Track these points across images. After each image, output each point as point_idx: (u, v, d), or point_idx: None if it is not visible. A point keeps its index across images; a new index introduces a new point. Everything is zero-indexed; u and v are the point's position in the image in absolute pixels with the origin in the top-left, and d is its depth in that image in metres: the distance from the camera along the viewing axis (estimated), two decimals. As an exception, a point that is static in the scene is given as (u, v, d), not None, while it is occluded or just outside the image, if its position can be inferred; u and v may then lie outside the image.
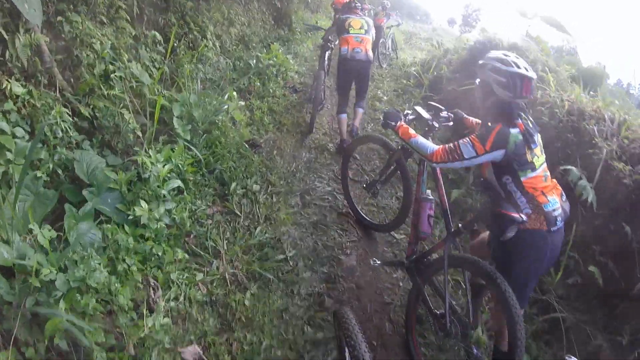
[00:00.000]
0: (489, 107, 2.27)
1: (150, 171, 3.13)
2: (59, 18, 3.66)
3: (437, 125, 2.85)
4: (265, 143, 4.96)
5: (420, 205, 2.65)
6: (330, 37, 5.96)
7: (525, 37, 6.87)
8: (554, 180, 2.29)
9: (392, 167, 3.46)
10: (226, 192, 3.88)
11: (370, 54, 4.93)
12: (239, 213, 3.73)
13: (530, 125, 2.21)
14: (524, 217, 2.02)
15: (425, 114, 2.91)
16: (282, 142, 5.09)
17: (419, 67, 8.44)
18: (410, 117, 2.95)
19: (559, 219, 2.12)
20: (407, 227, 3.71)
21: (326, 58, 6.06)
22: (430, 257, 2.67)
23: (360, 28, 4.92)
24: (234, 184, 3.94)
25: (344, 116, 5.07)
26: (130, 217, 2.93)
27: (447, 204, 2.59)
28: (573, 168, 3.62)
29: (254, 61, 7.06)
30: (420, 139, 2.46)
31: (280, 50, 7.71)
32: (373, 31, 5.22)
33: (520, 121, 2.15)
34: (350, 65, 4.86)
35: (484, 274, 2.14)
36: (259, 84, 6.56)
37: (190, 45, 6.04)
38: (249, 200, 3.89)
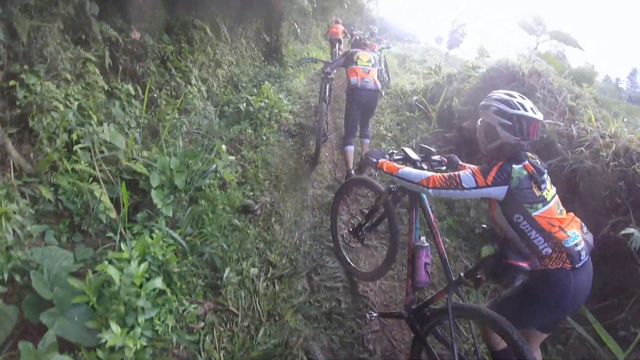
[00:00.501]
0: (493, 149, 2.19)
1: (121, 280, 2.42)
2: (12, 82, 3.09)
3: (426, 168, 2.69)
4: (261, 208, 4.28)
5: (415, 254, 2.51)
6: (329, 69, 6.00)
7: (538, 58, 6.32)
8: (571, 213, 2.15)
9: (379, 211, 3.28)
10: (219, 281, 3.18)
11: (379, 83, 5.14)
12: (235, 310, 3.01)
13: (539, 163, 2.12)
14: (533, 263, 1.92)
15: (413, 155, 2.78)
16: (281, 205, 4.42)
17: (421, 96, 7.92)
18: (397, 157, 2.79)
19: (582, 253, 1.98)
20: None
21: (327, 89, 6.08)
22: (431, 307, 2.47)
23: (367, 61, 5.17)
24: (227, 270, 3.24)
25: (350, 148, 5.13)
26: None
27: (444, 251, 2.45)
28: (635, 231, 3.01)
29: (244, 104, 6.47)
30: (410, 169, 2.38)
31: (272, 89, 7.16)
32: (379, 66, 5.46)
33: (527, 162, 2.06)
34: (360, 94, 4.99)
35: (494, 325, 1.97)
36: (250, 131, 5.96)
37: (173, 93, 5.45)
38: (246, 292, 3.18)
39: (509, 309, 2.06)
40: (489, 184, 2.02)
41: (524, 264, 1.89)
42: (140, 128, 4.29)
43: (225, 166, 4.41)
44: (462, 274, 2.22)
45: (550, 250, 1.98)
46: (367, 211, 3.48)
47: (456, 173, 2.14)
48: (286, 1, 9.11)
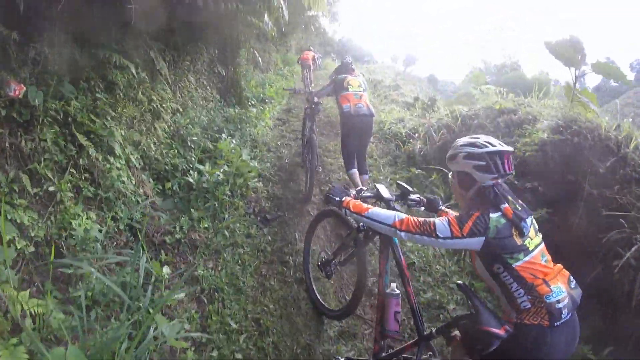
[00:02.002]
0: (472, 197, 2.06)
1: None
2: None
3: (398, 209, 2.39)
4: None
5: (385, 301, 2.39)
6: (317, 99, 5.72)
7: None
8: (559, 265, 2.00)
9: (349, 249, 3.05)
10: None
11: (372, 108, 5.03)
12: None
13: (519, 209, 1.96)
14: (510, 330, 1.79)
15: (386, 194, 2.58)
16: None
17: (423, 143, 6.39)
18: (366, 194, 2.62)
19: (564, 311, 1.83)
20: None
21: (314, 120, 5.77)
22: (401, 357, 2.35)
23: (358, 86, 5.08)
24: None
25: (354, 171, 4.93)
26: None
27: (415, 302, 2.32)
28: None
29: (196, 175, 4.50)
30: (380, 209, 2.21)
31: (232, 144, 5.29)
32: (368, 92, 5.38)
33: (506, 205, 1.93)
34: (355, 121, 4.87)
35: None
36: (206, 225, 4.03)
37: (85, 175, 3.43)
38: None
39: None
40: (465, 234, 1.89)
41: (500, 332, 1.76)
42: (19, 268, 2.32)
43: (171, 328, 2.42)
44: (434, 329, 2.14)
45: (529, 305, 1.85)
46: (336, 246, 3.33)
47: (431, 220, 1.99)
48: (245, 25, 7.39)
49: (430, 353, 2.24)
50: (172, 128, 5.37)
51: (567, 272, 2.00)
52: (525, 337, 1.84)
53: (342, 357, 2.82)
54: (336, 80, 5.21)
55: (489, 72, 43.26)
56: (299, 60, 14.05)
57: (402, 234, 2.04)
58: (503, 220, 1.89)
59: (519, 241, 1.89)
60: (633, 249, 3.06)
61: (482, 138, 2.05)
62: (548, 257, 2.00)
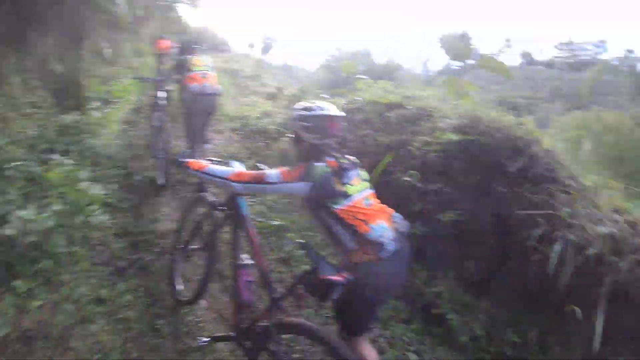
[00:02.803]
0: (300, 152, 2.34)
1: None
2: None
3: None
4: None
5: (237, 272, 2.48)
6: (163, 84, 5.59)
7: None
8: (382, 205, 2.28)
9: (204, 228, 3.10)
10: None
11: (218, 87, 5.14)
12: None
13: (345, 162, 2.23)
14: (347, 276, 1.89)
15: (238, 167, 2.68)
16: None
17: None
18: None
19: (389, 244, 2.08)
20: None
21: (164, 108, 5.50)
22: (258, 325, 2.30)
23: (204, 65, 5.12)
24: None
25: (206, 147, 5.24)
26: None
27: (266, 268, 2.39)
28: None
29: (18, 224, 3.29)
30: (218, 166, 2.44)
31: (67, 167, 4.19)
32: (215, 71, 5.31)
33: (331, 159, 2.21)
34: (202, 100, 4.94)
35: (314, 337, 2.08)
36: (40, 301, 2.96)
37: None
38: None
39: (345, 319, 2.23)
40: (293, 179, 2.13)
41: (338, 278, 1.87)
42: None
43: None
44: (282, 290, 2.22)
45: (354, 245, 2.07)
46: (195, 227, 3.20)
47: (263, 171, 2.25)
48: (93, 11, 6.30)
49: (285, 314, 2.28)
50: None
51: (390, 210, 2.27)
52: (361, 275, 1.97)
53: (205, 338, 2.73)
54: (180, 62, 5.23)
55: (343, 59, 44.49)
56: (153, 50, 12.89)
57: (237, 184, 2.23)
58: (327, 169, 2.14)
59: (339, 188, 2.11)
60: (557, 245, 3.15)
61: (318, 103, 2.30)
62: (373, 201, 2.25)
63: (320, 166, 2.15)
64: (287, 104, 8.21)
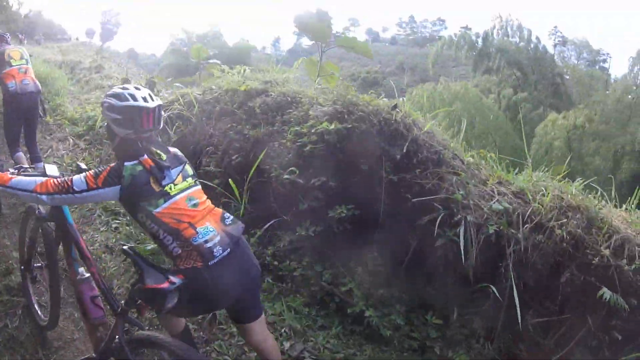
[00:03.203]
0: (115, 148, 2.10)
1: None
2: None
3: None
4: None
5: (79, 289, 2.24)
6: None
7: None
8: (210, 205, 2.07)
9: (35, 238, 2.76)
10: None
11: (38, 83, 4.71)
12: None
13: (165, 158, 1.97)
14: (175, 280, 1.69)
15: (54, 171, 2.35)
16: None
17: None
18: (30, 172, 2.38)
19: (216, 249, 1.87)
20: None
21: None
22: (115, 343, 2.02)
23: (21, 58, 4.61)
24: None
25: (20, 154, 4.60)
26: None
27: (102, 281, 2.15)
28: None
29: None
30: (24, 177, 2.07)
31: None
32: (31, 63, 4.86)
33: (146, 157, 1.92)
34: (21, 100, 4.44)
35: (169, 352, 1.86)
36: None
37: None
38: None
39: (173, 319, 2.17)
40: (100, 185, 1.88)
41: (163, 285, 1.67)
42: None
43: None
44: (123, 302, 1.97)
45: (179, 250, 1.88)
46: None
47: (69, 177, 1.97)
48: None
49: (136, 327, 2.15)
50: None
51: (219, 211, 2.06)
52: (187, 281, 1.77)
53: None
54: None
55: (192, 42, 42.46)
56: None
57: (44, 196, 1.94)
58: (139, 168, 1.89)
59: (156, 188, 1.89)
60: (460, 228, 3.09)
61: (130, 90, 2.00)
62: (199, 200, 2.01)
63: (129, 166, 1.89)
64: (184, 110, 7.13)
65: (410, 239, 3.36)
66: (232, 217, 2.06)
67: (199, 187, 2.09)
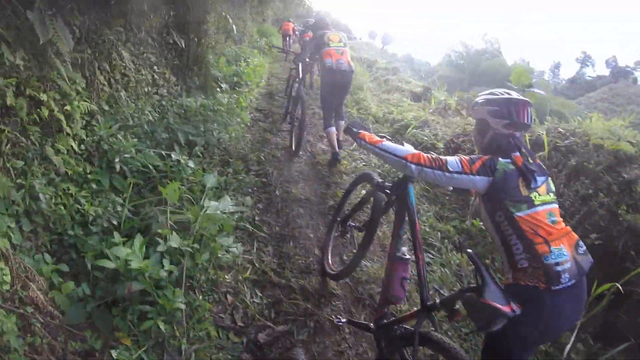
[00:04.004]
0: (486, 144, 2.04)
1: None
2: None
3: None
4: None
5: (393, 265, 2.22)
6: (304, 56, 5.59)
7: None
8: (567, 227, 1.87)
9: (366, 206, 3.07)
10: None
11: (352, 64, 5.08)
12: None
13: (531, 162, 1.90)
14: (516, 309, 1.56)
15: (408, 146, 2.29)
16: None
17: None
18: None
19: (564, 275, 1.71)
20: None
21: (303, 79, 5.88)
22: (400, 326, 2.12)
23: (339, 41, 5.09)
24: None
25: (332, 129, 5.09)
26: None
27: (423, 269, 2.07)
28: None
29: (118, 261, 2.31)
30: (392, 143, 2.16)
31: (189, 169, 3.54)
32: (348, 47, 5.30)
33: (517, 154, 1.90)
34: (336, 76, 4.91)
35: None
36: None
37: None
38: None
39: (494, 354, 1.90)
40: (474, 171, 1.89)
41: (504, 308, 1.56)
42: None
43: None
44: (437, 299, 1.90)
45: (526, 264, 1.75)
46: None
47: (443, 157, 1.98)
48: None
49: (432, 327, 2.04)
50: (88, 142, 3.13)
51: (575, 236, 1.88)
52: (523, 297, 1.67)
53: (343, 319, 2.57)
54: (316, 36, 5.23)
55: (468, 58, 41.79)
56: (279, 30, 14.18)
57: (413, 166, 1.98)
58: (511, 167, 1.86)
59: (524, 192, 1.83)
60: None
61: (502, 90, 2.06)
62: (558, 219, 1.87)
63: (504, 162, 1.87)
64: (440, 109, 6.84)
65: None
66: (584, 247, 1.87)
67: (557, 206, 1.93)
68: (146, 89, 4.44)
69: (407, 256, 2.25)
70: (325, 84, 5.10)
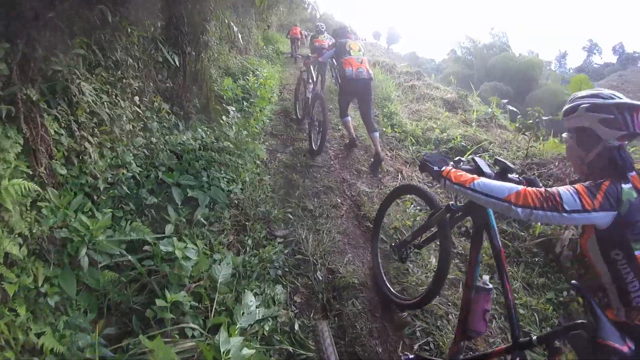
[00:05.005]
0: (592, 161, 1.65)
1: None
2: None
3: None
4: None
5: (474, 296, 1.95)
6: (323, 60, 5.79)
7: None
8: None
9: (431, 230, 2.68)
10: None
11: (371, 72, 5.18)
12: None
13: None
14: (632, 346, 1.35)
15: (486, 169, 2.09)
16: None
17: None
18: (464, 166, 2.15)
19: None
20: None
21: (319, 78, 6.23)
22: None
23: (359, 50, 5.19)
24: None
25: (348, 119, 5.36)
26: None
27: (512, 301, 1.82)
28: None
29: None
30: (489, 180, 1.71)
31: (190, 259, 2.36)
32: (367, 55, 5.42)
33: (634, 174, 1.57)
34: (355, 85, 5.00)
35: None
36: None
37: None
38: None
39: None
40: (597, 207, 1.48)
41: (623, 348, 1.35)
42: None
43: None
44: (534, 335, 1.71)
45: None
46: (416, 227, 3.04)
47: (554, 190, 1.56)
48: None
49: None
50: (36, 234, 2.02)
51: None
52: (632, 338, 1.42)
53: (411, 355, 2.29)
54: (337, 44, 5.33)
55: (476, 53, 40.48)
56: (287, 35, 14.30)
57: (519, 209, 1.58)
58: (635, 195, 1.51)
59: None
60: None
61: (605, 90, 1.65)
62: None
63: (627, 189, 1.49)
64: (481, 120, 5.76)
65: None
66: None
67: None
68: (127, 127, 3.25)
69: (489, 285, 1.96)
70: (343, 92, 5.23)
